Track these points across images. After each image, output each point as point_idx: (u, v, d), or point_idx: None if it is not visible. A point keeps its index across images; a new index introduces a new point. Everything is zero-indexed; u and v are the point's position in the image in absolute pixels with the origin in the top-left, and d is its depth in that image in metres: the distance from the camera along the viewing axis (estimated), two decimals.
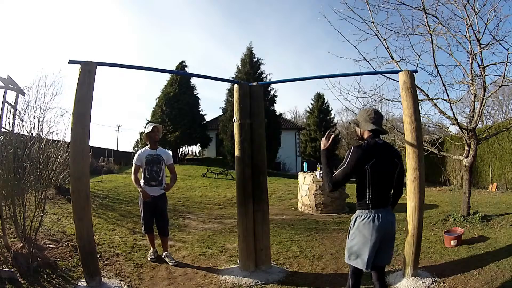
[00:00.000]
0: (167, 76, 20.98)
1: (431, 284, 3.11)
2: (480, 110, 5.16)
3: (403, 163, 2.42)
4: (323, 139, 2.42)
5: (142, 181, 3.91)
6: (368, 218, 2.20)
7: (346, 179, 2.19)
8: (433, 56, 5.02)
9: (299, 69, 68.97)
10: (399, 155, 2.35)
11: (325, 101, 26.21)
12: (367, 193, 2.20)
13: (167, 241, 4.14)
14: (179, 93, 19.94)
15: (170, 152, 4.17)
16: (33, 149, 3.75)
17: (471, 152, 5.41)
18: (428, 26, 5.00)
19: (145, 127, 4.12)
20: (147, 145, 4.05)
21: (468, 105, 6.14)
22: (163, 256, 3.98)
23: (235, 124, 3.67)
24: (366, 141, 2.26)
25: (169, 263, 3.84)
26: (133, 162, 3.96)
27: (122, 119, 77.14)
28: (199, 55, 67.81)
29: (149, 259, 3.95)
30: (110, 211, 6.62)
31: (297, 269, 3.73)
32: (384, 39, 5.32)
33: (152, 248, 4.05)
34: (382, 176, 2.20)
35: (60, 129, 4.28)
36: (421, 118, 3.66)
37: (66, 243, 4.08)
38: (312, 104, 26.96)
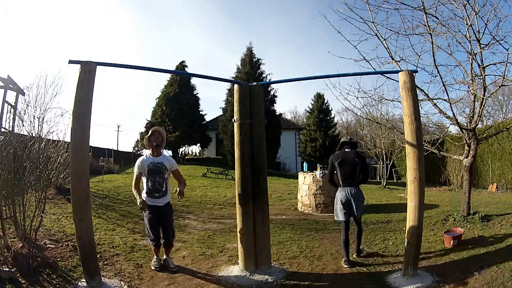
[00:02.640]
0: (167, 76, 21.01)
1: (431, 284, 3.11)
2: (480, 110, 5.16)
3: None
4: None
5: (144, 192, 3.62)
6: (340, 191, 3.98)
7: (330, 173, 4.15)
8: (433, 56, 5.02)
9: (299, 69, 69.03)
10: (360, 156, 4.05)
11: (325, 101, 26.16)
12: (339, 179, 4.01)
13: (170, 250, 3.93)
14: (179, 93, 19.95)
15: (173, 160, 3.92)
16: (33, 149, 3.75)
17: (471, 152, 5.41)
18: (428, 26, 5.00)
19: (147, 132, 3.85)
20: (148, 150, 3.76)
21: (468, 105, 6.15)
22: (162, 260, 3.78)
23: (235, 124, 3.67)
24: (337, 151, 4.17)
25: (168, 268, 3.66)
26: (135, 170, 3.66)
27: (122, 119, 77.22)
28: (199, 55, 67.82)
29: (153, 268, 3.69)
30: (110, 211, 6.62)
31: (297, 269, 3.73)
32: (384, 39, 5.33)
33: (155, 257, 3.78)
34: (346, 168, 3.95)
35: (60, 129, 4.24)
36: (421, 118, 3.66)
37: (66, 243, 4.08)
38: (312, 104, 26.92)
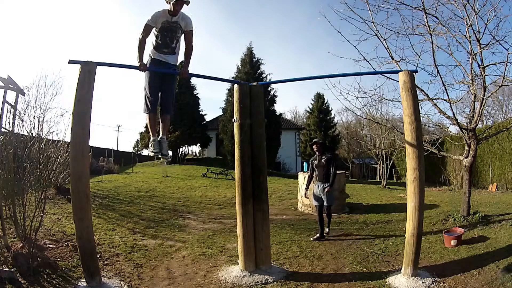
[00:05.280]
0: None
1: (431, 284, 3.11)
2: (480, 110, 5.16)
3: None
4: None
5: (151, 48, 3.37)
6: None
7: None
8: (433, 56, 5.03)
9: (299, 69, 69.09)
10: None
11: (325, 101, 26.15)
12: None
13: (168, 122, 3.61)
14: (179, 93, 19.88)
15: (190, 17, 3.44)
16: (33, 149, 3.75)
17: (471, 152, 5.40)
18: (428, 26, 5.00)
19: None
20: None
21: (468, 105, 6.16)
22: (158, 139, 3.48)
23: (235, 124, 3.68)
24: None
25: (161, 153, 3.42)
26: (146, 21, 3.26)
27: (122, 119, 77.20)
28: (198, 55, 67.71)
29: (152, 153, 3.46)
30: (110, 211, 6.62)
31: (297, 269, 3.73)
32: (384, 39, 5.33)
33: (152, 136, 3.47)
34: None
35: (60, 129, 4.27)
36: (421, 118, 3.66)
37: (66, 243, 4.08)
38: (312, 104, 26.92)
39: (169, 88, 3.48)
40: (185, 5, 3.28)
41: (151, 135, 3.47)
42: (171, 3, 3.24)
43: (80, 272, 3.21)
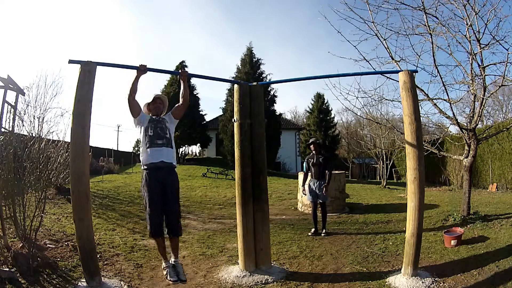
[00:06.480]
0: (167, 76, 20.99)
1: (431, 284, 3.11)
2: (480, 110, 5.16)
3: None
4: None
5: (144, 146, 3.10)
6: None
7: None
8: (433, 56, 5.03)
9: (299, 69, 69.09)
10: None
11: (325, 101, 26.18)
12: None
13: (178, 243, 3.19)
14: (179, 93, 19.91)
15: (169, 112, 3.41)
16: (33, 149, 3.75)
17: (471, 152, 5.40)
18: (428, 26, 5.00)
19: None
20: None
21: (468, 105, 6.16)
22: (172, 261, 3.09)
23: (235, 124, 3.67)
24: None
25: (178, 277, 2.98)
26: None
27: (122, 119, 76.96)
28: (199, 55, 67.71)
29: (171, 282, 2.98)
30: (110, 211, 6.62)
31: (297, 269, 3.73)
32: (384, 39, 5.33)
33: (164, 261, 3.08)
34: None
35: (60, 129, 4.26)
36: (421, 118, 3.66)
37: (66, 243, 4.08)
38: (312, 104, 26.94)
39: (171, 199, 3.02)
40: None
41: (162, 260, 3.12)
42: (148, 109, 3.31)
43: (80, 272, 3.20)
